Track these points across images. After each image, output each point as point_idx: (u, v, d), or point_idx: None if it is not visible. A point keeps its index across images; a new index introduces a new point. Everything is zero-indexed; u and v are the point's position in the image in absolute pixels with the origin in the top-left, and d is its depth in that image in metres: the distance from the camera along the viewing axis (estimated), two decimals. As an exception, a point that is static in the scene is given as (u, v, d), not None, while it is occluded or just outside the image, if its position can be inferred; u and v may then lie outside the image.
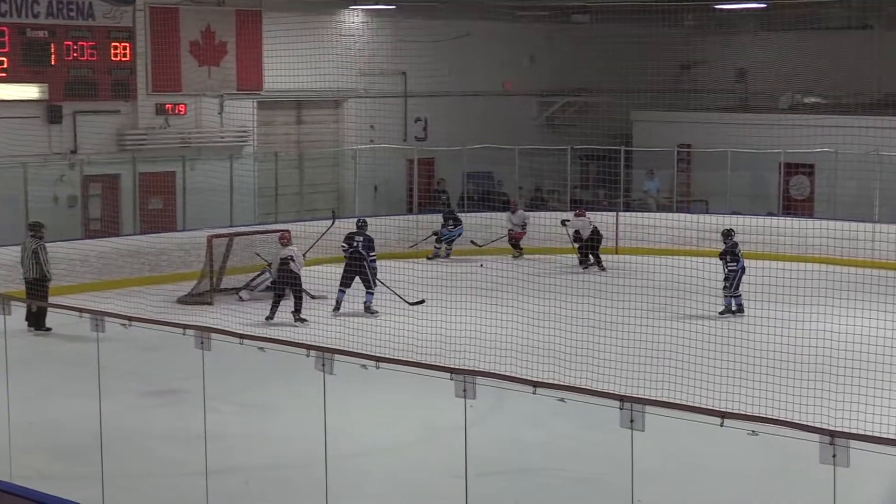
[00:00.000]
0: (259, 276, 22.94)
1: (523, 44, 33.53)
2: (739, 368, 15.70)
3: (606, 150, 29.79)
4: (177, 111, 27.41)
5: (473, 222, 27.88)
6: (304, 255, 21.97)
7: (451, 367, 9.55)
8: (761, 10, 30.67)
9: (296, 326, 20.22)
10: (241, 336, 10.53)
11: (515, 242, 27.93)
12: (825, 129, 25.58)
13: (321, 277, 22.24)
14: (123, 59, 26.31)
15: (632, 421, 8.10)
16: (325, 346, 10.06)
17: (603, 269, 26.05)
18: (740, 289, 21.24)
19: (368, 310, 21.40)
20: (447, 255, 27.54)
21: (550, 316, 18.74)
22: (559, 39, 32.84)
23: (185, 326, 10.60)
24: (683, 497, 12.41)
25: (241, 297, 22.06)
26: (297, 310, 20.84)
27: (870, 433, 10.61)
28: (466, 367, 10.51)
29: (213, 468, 10.90)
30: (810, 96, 31.71)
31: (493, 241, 27.74)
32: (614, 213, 28.56)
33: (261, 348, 10.27)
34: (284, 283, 21.00)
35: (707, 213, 29.15)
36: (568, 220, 26.78)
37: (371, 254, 21.85)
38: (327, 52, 27.31)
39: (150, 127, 26.96)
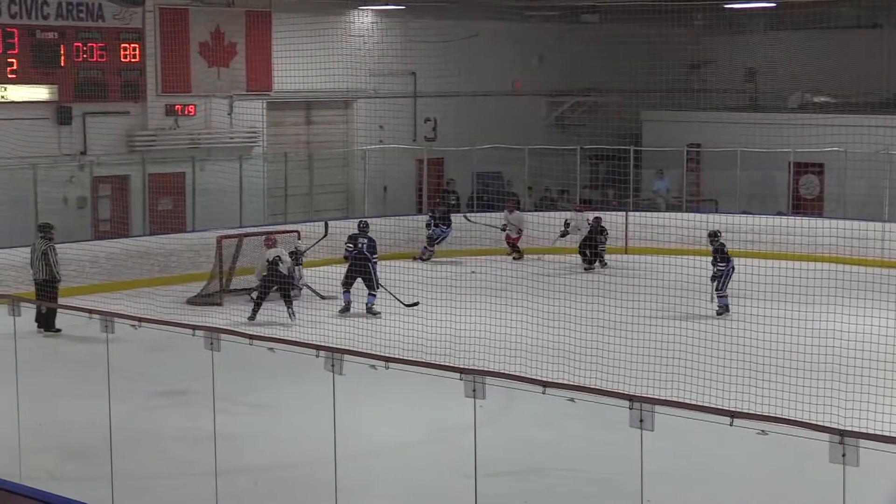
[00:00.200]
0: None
1: (533, 44, 33.52)
2: (749, 368, 15.69)
3: (616, 150, 29.77)
4: (186, 112, 27.42)
5: (483, 222, 27.77)
6: (295, 257, 22.38)
7: (461, 367, 9.55)
8: (771, 9, 30.62)
9: (291, 324, 20.44)
10: (251, 337, 10.53)
11: (513, 245, 27.66)
12: (835, 128, 25.54)
13: (329, 278, 22.30)
14: (133, 60, 26.34)
15: (641, 421, 8.10)
16: (334, 346, 10.06)
17: (604, 265, 26.15)
18: (727, 289, 21.24)
19: (370, 311, 21.45)
20: (429, 258, 27.31)
21: (560, 316, 18.73)
22: (568, 39, 32.82)
23: (194, 327, 10.60)
24: (693, 497, 12.40)
25: (251, 298, 22.04)
26: (289, 306, 21.03)
27: (880, 433, 10.59)
28: (476, 368, 10.50)
29: (222, 468, 10.90)
30: (820, 95, 31.65)
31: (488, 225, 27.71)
32: (624, 213, 28.55)
33: (270, 349, 10.27)
34: (273, 285, 21.25)
35: (717, 212, 29.16)
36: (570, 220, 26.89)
37: (374, 255, 21.94)
38: (337, 52, 27.34)
39: (159, 128, 26.98)
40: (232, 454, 12.31)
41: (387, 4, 29.99)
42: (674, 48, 26.92)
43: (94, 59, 25.68)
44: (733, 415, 8.04)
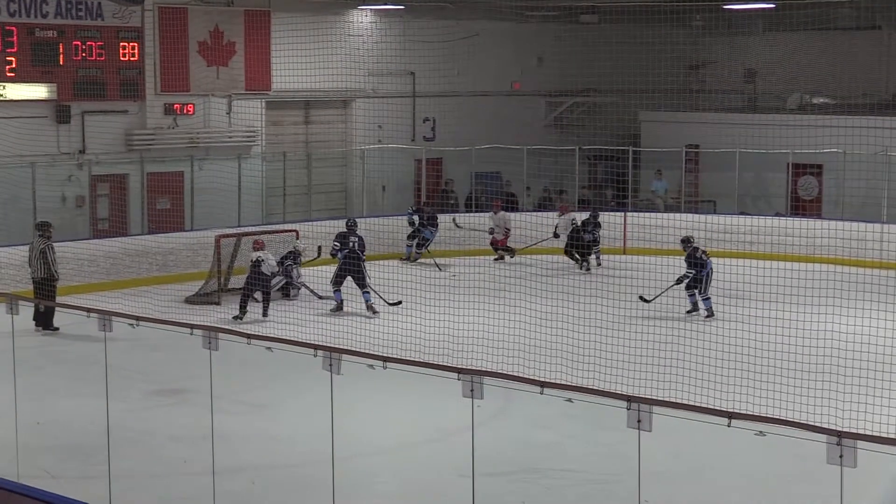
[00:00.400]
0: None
1: (532, 44, 33.54)
2: (746, 369, 15.69)
3: (614, 151, 29.79)
4: (185, 111, 27.43)
5: (482, 223, 27.77)
6: (293, 257, 22.75)
7: (459, 367, 9.54)
8: (770, 10, 30.64)
9: (266, 321, 20.68)
10: (249, 336, 10.53)
11: (496, 247, 27.27)
12: (833, 129, 25.54)
13: (326, 278, 22.30)
14: (132, 59, 26.34)
15: (639, 421, 8.10)
16: (332, 346, 10.06)
17: (598, 263, 26.11)
18: (694, 290, 21.27)
19: (371, 308, 21.49)
20: (416, 259, 27.05)
21: (558, 316, 18.74)
22: (567, 40, 32.77)
23: (192, 326, 10.60)
24: (690, 497, 12.40)
25: (254, 298, 22.08)
26: (266, 307, 21.36)
27: (877, 434, 10.60)
28: (474, 368, 10.51)
29: (219, 468, 10.91)
30: (819, 97, 31.66)
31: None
32: (622, 214, 28.55)
33: (268, 348, 10.26)
34: (254, 284, 21.43)
35: (715, 213, 29.16)
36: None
37: (363, 254, 22.12)
38: (336, 52, 27.40)
39: (158, 127, 26.99)
40: (229, 453, 12.32)
41: (386, 4, 29.99)
42: (673, 49, 26.91)
43: (93, 58, 25.69)
44: (731, 415, 8.04)
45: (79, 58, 25.46)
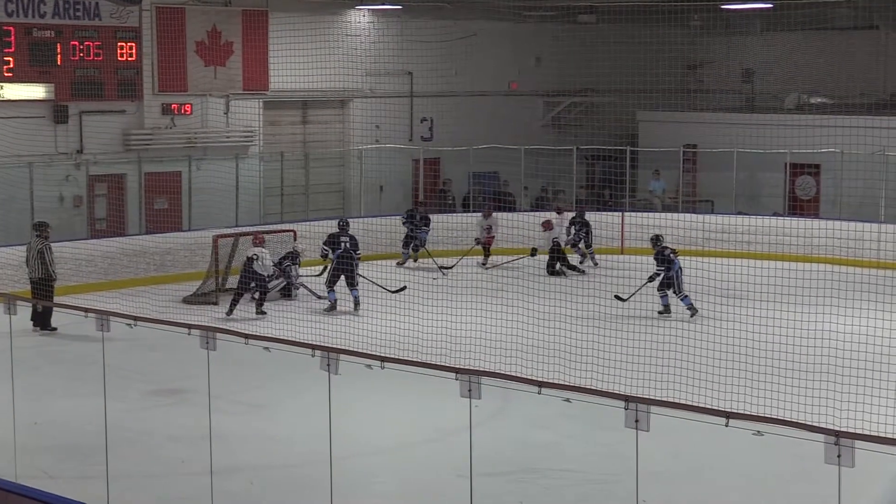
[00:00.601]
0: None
1: (529, 44, 33.55)
2: (744, 368, 15.71)
3: (612, 151, 29.78)
4: (183, 111, 27.43)
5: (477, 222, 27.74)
6: (292, 258, 22.86)
7: (457, 367, 9.54)
8: (767, 10, 30.65)
9: (257, 319, 20.90)
10: (247, 336, 10.53)
11: (487, 247, 26.90)
12: (831, 129, 25.55)
13: (324, 278, 22.31)
14: (129, 59, 26.33)
15: (637, 421, 8.10)
16: (330, 346, 10.06)
17: (595, 263, 26.00)
18: (666, 291, 21.30)
19: (358, 305, 21.73)
20: (417, 260, 26.87)
21: (555, 316, 18.75)
22: (565, 40, 32.77)
23: (190, 326, 10.60)
24: (688, 497, 12.40)
25: (253, 297, 22.08)
26: (259, 304, 21.55)
27: (875, 433, 10.60)
28: (471, 368, 10.51)
29: (217, 468, 10.90)
30: (816, 96, 31.67)
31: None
32: (620, 214, 28.55)
33: (266, 348, 10.26)
34: (247, 281, 21.59)
35: (713, 213, 29.17)
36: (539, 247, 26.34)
37: (357, 253, 22.24)
38: (333, 52, 27.39)
39: (155, 127, 26.98)
40: (228, 453, 12.31)
41: (384, 4, 30.00)
42: (670, 49, 26.91)
43: (91, 58, 25.67)
44: (729, 415, 8.04)
45: (76, 58, 25.45)
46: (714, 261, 21.72)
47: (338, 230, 22.63)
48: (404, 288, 22.09)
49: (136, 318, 11.09)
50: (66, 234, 24.04)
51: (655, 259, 21.68)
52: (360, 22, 30.20)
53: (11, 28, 24.57)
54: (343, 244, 22.12)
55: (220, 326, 11.03)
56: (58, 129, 25.51)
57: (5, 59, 24.52)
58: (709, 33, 32.35)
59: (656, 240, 22.14)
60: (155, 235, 25.19)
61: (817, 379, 14.61)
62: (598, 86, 32.06)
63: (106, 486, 10.90)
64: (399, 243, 26.79)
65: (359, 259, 22.20)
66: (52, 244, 20.58)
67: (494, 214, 27.12)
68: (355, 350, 10.86)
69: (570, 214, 26.97)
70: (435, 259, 26.14)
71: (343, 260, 21.92)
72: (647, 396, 9.23)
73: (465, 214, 28.88)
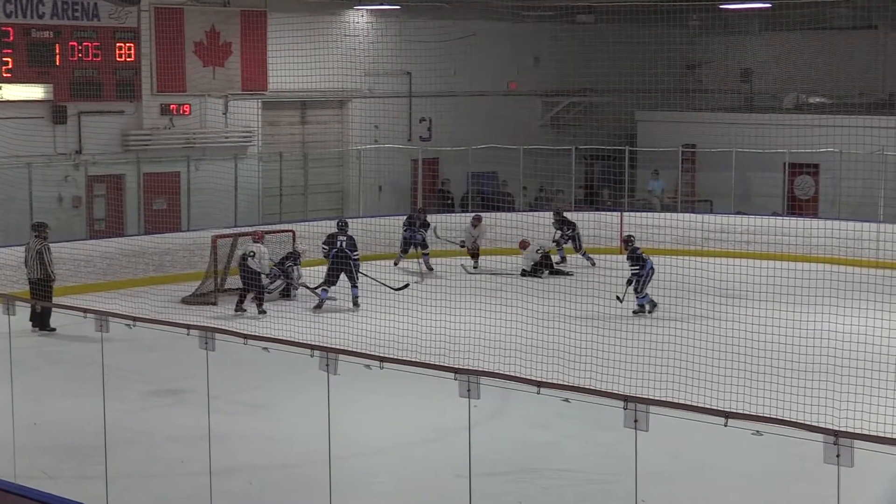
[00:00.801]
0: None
1: (528, 44, 33.54)
2: (743, 368, 15.70)
3: (611, 150, 29.78)
4: (181, 111, 27.41)
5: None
6: (293, 258, 22.89)
7: (455, 367, 9.54)
8: (766, 9, 30.64)
9: (258, 319, 20.76)
10: (246, 336, 10.53)
11: (476, 253, 26.54)
12: (830, 129, 25.54)
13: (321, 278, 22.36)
14: (128, 59, 26.31)
15: (636, 421, 8.10)
16: (329, 346, 10.06)
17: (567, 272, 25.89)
18: (647, 288, 21.38)
19: (356, 303, 21.89)
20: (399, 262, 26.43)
21: (555, 316, 18.75)
22: (564, 39, 32.78)
23: (189, 326, 10.60)
24: (688, 497, 12.40)
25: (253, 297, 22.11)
26: (259, 302, 21.62)
27: (874, 433, 10.60)
28: (470, 367, 10.50)
29: (217, 468, 10.90)
30: (815, 96, 31.67)
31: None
32: (619, 213, 28.54)
33: (265, 348, 10.26)
34: (244, 278, 21.83)
35: (711, 213, 29.16)
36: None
37: (354, 253, 22.24)
38: (332, 52, 27.37)
39: (154, 127, 26.97)
40: (226, 453, 12.30)
41: (382, 4, 29.99)
42: (669, 49, 26.91)
43: (90, 59, 25.66)
44: (728, 415, 8.04)
45: (75, 58, 25.44)
46: (713, 261, 21.75)
47: (336, 230, 22.71)
48: (407, 286, 22.22)
49: (135, 319, 11.09)
50: (65, 234, 24.04)
51: (629, 259, 21.74)
52: (358, 22, 30.20)
53: (10, 28, 24.56)
54: (339, 243, 22.19)
55: (220, 327, 11.02)
56: (56, 130, 25.50)
57: (4, 59, 24.50)
58: (707, 33, 32.34)
59: (629, 240, 22.23)
60: (154, 236, 25.18)
61: (816, 379, 14.60)
62: (597, 86, 32.06)
63: (105, 486, 10.90)
64: (398, 243, 26.75)
65: (357, 259, 22.20)
66: (50, 245, 20.58)
67: (483, 223, 26.94)
68: (354, 350, 10.86)
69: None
70: (420, 262, 25.94)
71: (338, 259, 22.00)
72: (646, 396, 9.23)
73: (463, 214, 28.84)
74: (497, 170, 31.56)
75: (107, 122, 26.19)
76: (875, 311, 18.88)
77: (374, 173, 29.81)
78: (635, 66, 26.68)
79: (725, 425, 7.99)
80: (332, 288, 22.21)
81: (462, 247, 26.67)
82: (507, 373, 11.38)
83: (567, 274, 25.56)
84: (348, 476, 12.27)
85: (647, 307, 21.32)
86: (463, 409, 8.94)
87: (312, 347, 9.74)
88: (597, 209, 28.58)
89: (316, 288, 22.43)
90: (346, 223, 23.17)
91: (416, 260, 26.16)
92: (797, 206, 29.32)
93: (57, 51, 25.19)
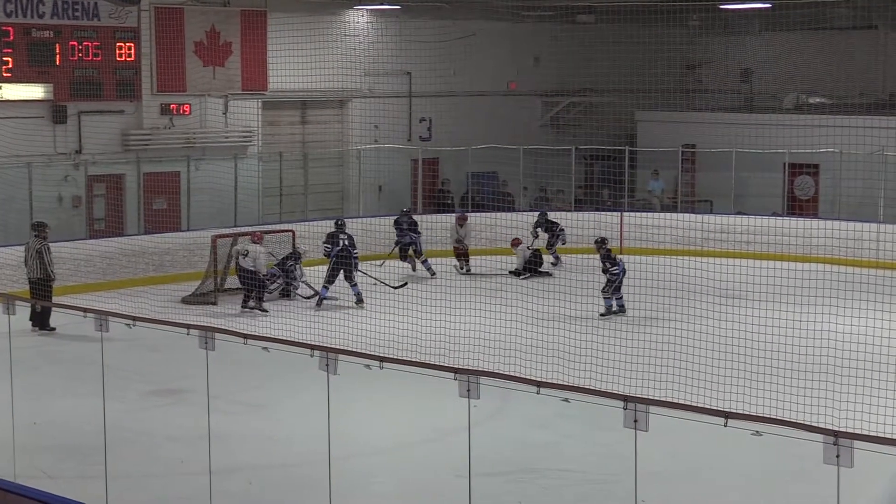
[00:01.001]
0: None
1: (528, 44, 33.55)
2: (743, 369, 15.71)
3: (611, 151, 29.78)
4: (181, 111, 27.41)
5: (478, 222, 27.67)
6: (294, 258, 23.03)
7: (455, 367, 9.54)
8: (766, 10, 30.64)
9: (258, 318, 20.86)
10: (245, 336, 10.52)
11: (464, 255, 26.28)
12: (830, 129, 25.54)
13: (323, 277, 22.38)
14: (128, 59, 26.31)
15: (636, 421, 8.10)
16: (328, 346, 10.06)
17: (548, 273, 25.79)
18: (622, 290, 21.43)
19: (358, 299, 22.06)
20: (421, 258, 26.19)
21: (554, 316, 18.75)
22: (564, 40, 32.79)
23: (188, 326, 10.60)
24: (687, 497, 12.40)
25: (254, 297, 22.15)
26: (258, 301, 21.86)
27: (874, 433, 10.60)
28: (470, 367, 10.50)
29: (216, 468, 10.90)
30: (815, 96, 31.68)
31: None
32: (619, 213, 28.54)
33: (265, 348, 10.26)
34: (240, 277, 22.06)
35: (711, 213, 29.16)
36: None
37: (354, 251, 22.39)
38: (332, 52, 27.37)
39: (154, 127, 26.97)
40: (226, 453, 12.30)
41: (382, 4, 29.99)
42: (669, 49, 26.92)
43: (90, 58, 25.66)
44: (727, 415, 8.04)
45: (75, 58, 25.44)
46: (713, 261, 21.73)
47: (335, 229, 22.76)
48: (405, 284, 22.29)
49: (134, 319, 11.08)
50: (65, 234, 24.04)
51: (604, 261, 21.71)
52: (358, 22, 30.20)
53: (10, 28, 24.56)
54: (341, 242, 22.27)
55: (219, 326, 11.02)
56: (56, 130, 25.50)
57: (4, 59, 24.50)
58: (707, 33, 32.37)
59: (602, 242, 22.20)
60: (154, 235, 25.18)
61: (816, 379, 14.61)
62: (597, 86, 32.07)
63: (105, 486, 10.89)
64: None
65: (357, 258, 22.30)
66: (50, 244, 20.59)
67: (469, 222, 26.83)
68: (354, 350, 10.85)
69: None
70: (414, 265, 25.86)
71: (340, 258, 22.09)
72: (645, 396, 9.23)
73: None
74: (497, 170, 31.56)
75: (107, 122, 26.20)
76: (875, 311, 18.86)
77: (374, 173, 29.81)
78: (635, 66, 26.68)
79: (725, 425, 7.98)
80: (331, 287, 22.25)
81: (458, 254, 26.29)
82: (507, 373, 11.37)
83: (547, 275, 25.42)
84: (348, 476, 12.27)
85: (617, 309, 21.28)
86: (463, 409, 8.94)
87: (312, 347, 9.74)
88: (597, 209, 28.55)
89: (314, 295, 22.50)
90: (345, 222, 23.30)
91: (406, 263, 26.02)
92: (797, 207, 29.32)
93: (57, 50, 25.19)
